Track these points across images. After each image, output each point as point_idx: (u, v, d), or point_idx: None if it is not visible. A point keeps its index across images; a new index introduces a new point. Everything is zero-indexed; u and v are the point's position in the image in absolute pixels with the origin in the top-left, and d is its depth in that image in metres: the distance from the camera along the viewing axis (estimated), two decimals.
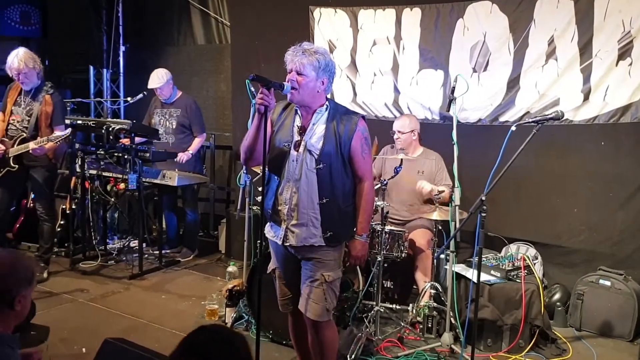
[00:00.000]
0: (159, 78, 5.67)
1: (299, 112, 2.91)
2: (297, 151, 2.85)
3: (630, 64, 4.25)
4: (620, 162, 4.42)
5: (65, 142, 4.78)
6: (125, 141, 5.40)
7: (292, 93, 2.79)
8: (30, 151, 4.69)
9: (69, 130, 4.79)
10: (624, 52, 4.26)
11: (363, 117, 2.96)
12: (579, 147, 4.57)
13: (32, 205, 5.80)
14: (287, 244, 2.89)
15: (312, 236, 2.85)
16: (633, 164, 4.36)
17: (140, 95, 5.96)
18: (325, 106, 2.90)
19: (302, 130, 2.87)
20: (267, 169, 2.95)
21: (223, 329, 1.87)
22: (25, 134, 4.79)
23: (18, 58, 4.69)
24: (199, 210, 6.26)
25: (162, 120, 5.83)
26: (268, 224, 3.03)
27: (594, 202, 4.55)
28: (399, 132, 4.56)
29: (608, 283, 4.23)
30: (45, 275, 5.09)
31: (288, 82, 2.79)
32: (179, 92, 5.88)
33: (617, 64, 4.30)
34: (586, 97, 4.45)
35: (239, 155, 2.98)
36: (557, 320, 4.38)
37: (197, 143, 5.79)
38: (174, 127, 5.77)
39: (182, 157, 5.62)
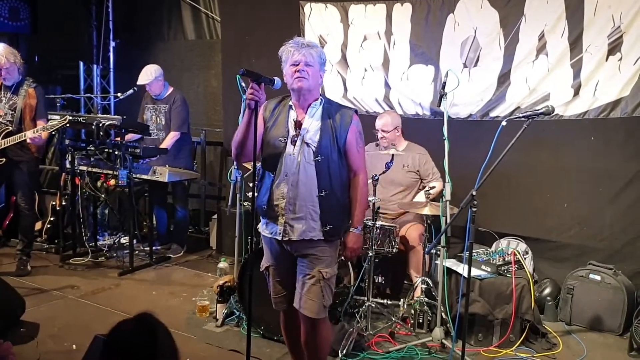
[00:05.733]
0: (147, 75, 5.64)
1: (293, 107, 2.91)
2: (294, 145, 2.84)
3: (620, 59, 4.27)
4: (610, 157, 4.44)
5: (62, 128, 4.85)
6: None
7: (302, 82, 2.79)
8: (29, 140, 4.75)
9: (66, 117, 4.81)
10: (614, 47, 4.28)
11: (356, 111, 2.99)
12: (569, 142, 4.59)
13: None
14: (287, 238, 2.86)
15: (312, 230, 2.84)
16: (623, 158, 4.39)
17: (131, 91, 5.92)
18: (319, 100, 2.91)
19: (298, 125, 2.87)
20: (260, 165, 2.95)
21: (144, 320, 1.80)
22: (10, 127, 4.81)
23: None
24: (189, 207, 6.23)
25: (152, 117, 5.81)
26: (262, 221, 3.01)
27: (584, 197, 4.57)
28: (382, 131, 4.56)
29: (598, 277, 4.25)
30: (29, 268, 5.10)
31: (296, 73, 2.78)
32: (171, 88, 5.84)
33: (607, 59, 4.32)
34: (576, 92, 4.47)
35: (229, 151, 2.96)
36: (547, 315, 4.41)
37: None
38: (164, 123, 5.75)
39: None
